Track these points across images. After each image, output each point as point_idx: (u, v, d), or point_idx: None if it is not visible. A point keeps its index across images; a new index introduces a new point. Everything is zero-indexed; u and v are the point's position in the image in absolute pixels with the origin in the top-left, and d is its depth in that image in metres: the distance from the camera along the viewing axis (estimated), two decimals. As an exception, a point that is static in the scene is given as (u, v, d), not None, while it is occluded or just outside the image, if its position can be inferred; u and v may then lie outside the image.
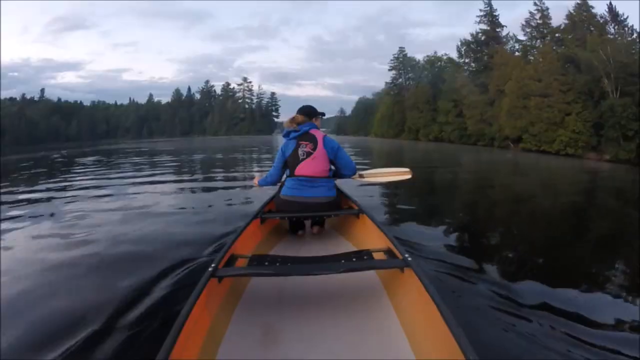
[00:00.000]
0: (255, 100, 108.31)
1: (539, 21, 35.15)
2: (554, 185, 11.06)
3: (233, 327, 1.83)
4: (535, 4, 35.18)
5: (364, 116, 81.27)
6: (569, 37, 31.28)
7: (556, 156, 25.52)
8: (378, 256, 2.26)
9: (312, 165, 3.06)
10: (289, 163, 3.13)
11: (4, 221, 5.21)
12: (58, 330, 2.25)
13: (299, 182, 3.06)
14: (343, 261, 2.15)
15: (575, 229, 5.47)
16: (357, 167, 3.39)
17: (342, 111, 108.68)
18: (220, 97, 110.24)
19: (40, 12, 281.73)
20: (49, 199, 7.16)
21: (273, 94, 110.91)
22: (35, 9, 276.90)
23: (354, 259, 2.16)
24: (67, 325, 2.29)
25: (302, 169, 3.06)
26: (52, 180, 10.32)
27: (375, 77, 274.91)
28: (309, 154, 3.07)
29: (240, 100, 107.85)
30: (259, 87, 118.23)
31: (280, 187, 3.27)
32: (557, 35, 33.13)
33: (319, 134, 3.16)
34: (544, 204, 7.40)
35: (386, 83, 60.58)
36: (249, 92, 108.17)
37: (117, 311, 2.43)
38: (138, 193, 7.63)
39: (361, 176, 3.72)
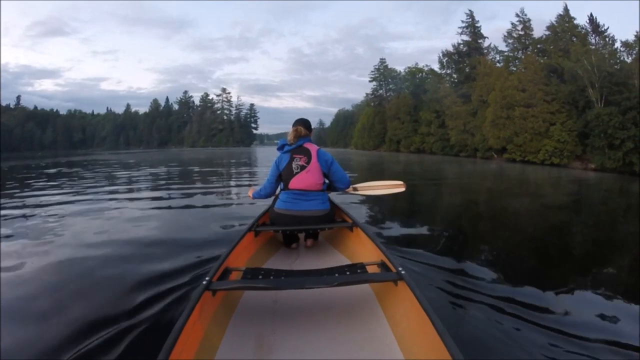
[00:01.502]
0: (234, 112, 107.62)
1: (520, 32, 35.09)
2: (542, 194, 11.02)
3: (227, 340, 1.83)
4: (517, 15, 35.16)
5: (343, 127, 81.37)
6: (551, 47, 31.11)
7: (541, 166, 25.17)
8: (372, 269, 2.29)
9: (306, 179, 3.10)
10: (283, 176, 3.17)
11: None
12: (49, 341, 2.22)
13: (293, 196, 3.10)
14: (337, 274, 2.12)
15: (564, 237, 5.55)
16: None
17: (321, 123, 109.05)
18: (199, 108, 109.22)
19: (21, 15, 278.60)
20: (33, 212, 6.64)
21: (252, 105, 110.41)
22: (15, 11, 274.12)
23: (347, 272, 2.16)
24: (57, 338, 2.25)
25: (296, 183, 3.10)
26: (31, 193, 9.39)
27: (354, 89, 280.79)
28: (302, 168, 3.11)
29: (218, 111, 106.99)
30: (237, 98, 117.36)
31: (275, 200, 3.30)
32: (539, 45, 33.01)
33: (313, 147, 3.20)
34: (532, 212, 7.48)
35: (367, 94, 60.67)
36: (227, 103, 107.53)
37: (109, 325, 2.37)
38: (126, 207, 7.24)
39: (355, 189, 3.76)
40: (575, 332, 2.31)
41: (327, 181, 3.31)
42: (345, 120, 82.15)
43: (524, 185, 13.28)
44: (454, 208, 7.79)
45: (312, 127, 3.39)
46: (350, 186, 3.57)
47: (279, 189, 3.34)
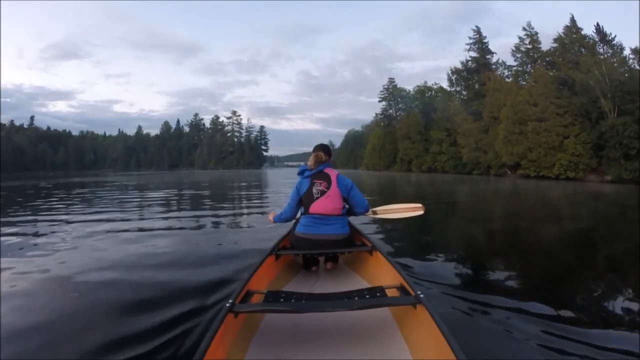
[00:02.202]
0: (244, 134, 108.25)
1: (528, 46, 34.93)
2: (559, 211, 10.72)
3: None
4: (524, 28, 35.08)
5: (353, 148, 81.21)
6: (560, 59, 30.79)
7: (556, 180, 24.60)
8: (391, 293, 2.28)
9: (326, 204, 3.13)
10: (304, 201, 3.21)
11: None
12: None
13: (313, 220, 3.14)
14: (356, 298, 2.14)
15: (585, 254, 5.37)
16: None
17: (331, 144, 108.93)
18: (209, 130, 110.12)
19: (36, 38, 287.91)
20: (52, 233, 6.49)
21: (262, 127, 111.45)
22: (30, 34, 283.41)
23: (367, 296, 2.16)
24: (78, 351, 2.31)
25: (316, 207, 3.13)
26: (45, 215, 9.14)
27: (363, 110, 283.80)
28: (322, 193, 3.15)
29: (229, 134, 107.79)
30: (248, 120, 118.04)
31: (295, 224, 3.32)
32: (547, 58, 32.76)
33: (332, 172, 3.25)
34: (551, 230, 7.25)
35: (376, 114, 60.50)
36: (237, 126, 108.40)
37: (136, 344, 2.39)
38: (139, 228, 7.14)
39: (374, 212, 3.73)
40: (609, 345, 2.28)
41: (346, 206, 3.32)
42: (354, 141, 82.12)
43: (541, 202, 12.90)
44: (473, 229, 7.58)
45: (318, 153, 3.38)
46: (370, 210, 3.57)
47: (299, 213, 3.34)
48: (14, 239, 5.93)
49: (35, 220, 7.85)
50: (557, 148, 25.84)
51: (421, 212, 3.78)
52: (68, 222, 7.52)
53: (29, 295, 3.38)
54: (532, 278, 4.02)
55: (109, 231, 6.51)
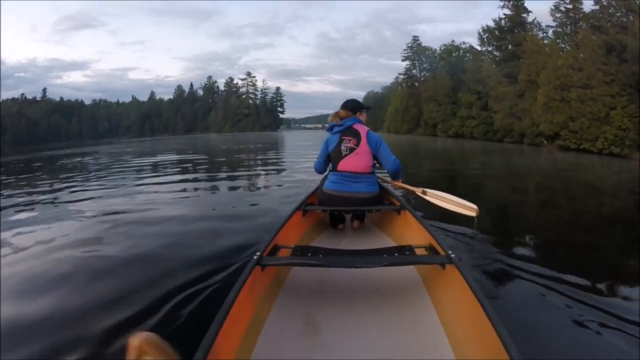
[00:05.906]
0: (259, 96, 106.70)
1: (568, 6, 32.42)
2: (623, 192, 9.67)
3: (274, 315, 1.85)
4: (565, -14, 32.38)
5: (373, 111, 79.29)
6: (608, 23, 28.36)
7: (599, 155, 23.12)
8: (420, 252, 2.25)
9: (355, 161, 3.10)
10: (332, 158, 3.20)
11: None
12: (104, 310, 2.41)
13: (342, 177, 3.12)
14: (385, 255, 2.16)
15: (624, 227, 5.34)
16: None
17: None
18: (224, 93, 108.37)
19: (49, 11, 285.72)
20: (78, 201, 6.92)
21: (278, 88, 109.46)
22: (44, 8, 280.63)
23: (396, 254, 2.16)
24: (116, 306, 2.45)
25: (345, 165, 3.11)
26: (78, 186, 9.47)
27: (382, 73, 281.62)
28: (352, 150, 3.11)
29: (244, 96, 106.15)
30: (263, 82, 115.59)
31: (323, 180, 3.33)
32: (591, 20, 30.33)
33: (362, 129, 3.21)
34: (596, 207, 6.92)
35: (399, 74, 58.52)
36: (252, 87, 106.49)
37: (165, 295, 2.55)
38: (171, 191, 7.80)
39: (424, 192, 3.32)
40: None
41: (377, 164, 3.28)
42: (374, 104, 79.83)
43: (595, 177, 12.11)
44: (511, 197, 7.63)
45: (337, 111, 3.32)
46: (421, 188, 3.31)
47: (327, 170, 3.36)
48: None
49: (58, 192, 8.32)
50: (603, 120, 24.09)
51: (473, 215, 2.85)
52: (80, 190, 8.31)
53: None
54: (568, 251, 4.06)
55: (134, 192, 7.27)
